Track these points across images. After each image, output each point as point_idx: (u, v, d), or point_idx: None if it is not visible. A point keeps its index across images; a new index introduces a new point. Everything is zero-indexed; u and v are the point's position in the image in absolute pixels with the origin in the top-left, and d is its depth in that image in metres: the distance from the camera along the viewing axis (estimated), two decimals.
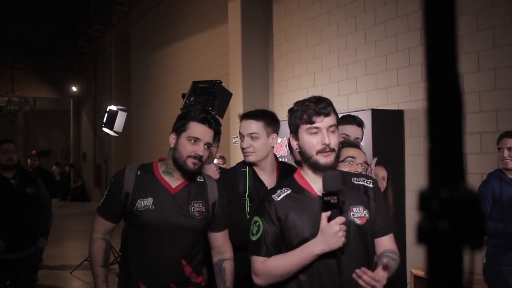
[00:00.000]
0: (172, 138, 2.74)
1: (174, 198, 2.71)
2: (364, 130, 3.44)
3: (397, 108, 6.06)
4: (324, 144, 2.19)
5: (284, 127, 7.51)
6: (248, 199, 3.05)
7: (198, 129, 2.67)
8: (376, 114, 5.71)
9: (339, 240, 2.10)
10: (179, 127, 2.71)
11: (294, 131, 2.30)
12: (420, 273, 5.13)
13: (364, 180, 2.39)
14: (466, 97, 5.17)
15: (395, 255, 2.27)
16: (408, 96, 5.92)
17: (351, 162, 2.76)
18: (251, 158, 3.10)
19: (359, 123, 3.34)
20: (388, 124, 5.89)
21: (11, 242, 4.88)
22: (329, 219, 2.12)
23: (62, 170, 25.67)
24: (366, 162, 2.83)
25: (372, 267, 2.23)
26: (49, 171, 9.52)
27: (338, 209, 2.12)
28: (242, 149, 3.14)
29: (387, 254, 2.26)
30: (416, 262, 5.46)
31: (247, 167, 3.14)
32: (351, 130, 3.25)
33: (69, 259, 9.50)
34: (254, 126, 3.14)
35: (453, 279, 0.62)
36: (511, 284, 4.12)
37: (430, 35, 0.64)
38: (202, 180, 2.86)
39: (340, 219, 2.10)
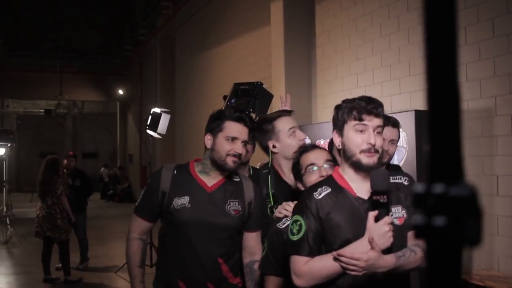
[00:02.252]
0: (208, 138, 2.75)
1: (210, 197, 2.73)
2: (400, 131, 3.33)
3: None
4: (370, 144, 2.15)
5: (327, 129, 7.44)
6: (272, 199, 3.01)
7: (235, 128, 2.69)
8: (420, 115, 5.60)
9: (388, 241, 2.06)
10: (215, 128, 2.73)
11: (340, 127, 2.25)
12: None
13: (400, 178, 2.33)
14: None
15: (417, 247, 2.18)
16: None
17: (311, 170, 2.62)
18: None
19: (394, 123, 3.24)
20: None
21: None
22: (376, 218, 2.07)
23: (111, 172, 26.12)
24: (329, 160, 2.67)
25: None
26: (84, 171, 9.64)
27: (386, 209, 2.07)
28: (302, 140, 3.11)
29: (409, 246, 2.20)
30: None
31: (270, 169, 3.09)
32: (385, 132, 3.18)
33: (114, 259, 9.65)
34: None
35: (451, 275, 0.61)
36: None
37: (429, 40, 0.62)
38: (239, 179, 2.86)
39: (388, 218, 2.06)
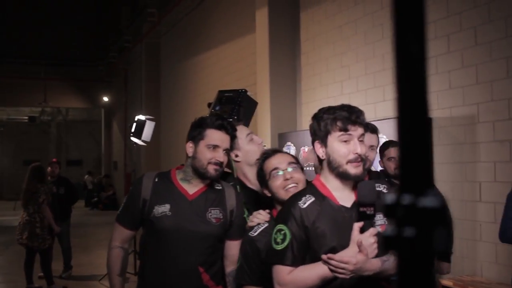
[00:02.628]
0: (190, 146, 2.74)
1: (191, 205, 2.71)
2: (380, 136, 3.36)
3: None
4: (356, 153, 2.15)
5: (308, 137, 7.49)
6: (246, 210, 2.96)
7: (216, 136, 2.68)
8: None
9: (373, 252, 2.06)
10: (196, 135, 2.72)
11: (323, 137, 2.24)
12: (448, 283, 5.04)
13: (379, 186, 2.33)
14: (496, 104, 5.09)
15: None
16: (436, 103, 5.83)
17: (276, 175, 2.59)
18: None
19: (372, 129, 3.26)
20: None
21: None
22: (362, 230, 2.07)
23: (96, 180, 25.95)
24: (292, 162, 2.64)
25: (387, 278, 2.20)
26: (68, 179, 9.55)
27: (371, 220, 2.08)
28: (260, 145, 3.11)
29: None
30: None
31: (235, 180, 3.04)
32: (365, 138, 3.18)
33: (98, 267, 9.58)
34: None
35: (421, 285, 0.60)
36: None
37: (398, 48, 0.63)
38: (220, 187, 2.85)
39: (373, 230, 2.06)
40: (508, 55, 4.97)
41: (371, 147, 3.18)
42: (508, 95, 4.96)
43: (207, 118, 2.78)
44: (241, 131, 3.09)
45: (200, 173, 2.71)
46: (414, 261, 0.61)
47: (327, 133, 2.21)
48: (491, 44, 5.14)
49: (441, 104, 5.75)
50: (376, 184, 2.33)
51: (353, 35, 7.42)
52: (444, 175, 5.53)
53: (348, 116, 2.16)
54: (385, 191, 2.33)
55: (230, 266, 2.84)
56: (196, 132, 2.73)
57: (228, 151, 2.74)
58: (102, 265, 9.31)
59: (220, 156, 2.68)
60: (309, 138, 3.17)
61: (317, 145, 2.27)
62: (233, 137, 2.79)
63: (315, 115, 2.29)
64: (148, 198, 2.71)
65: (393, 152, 4.18)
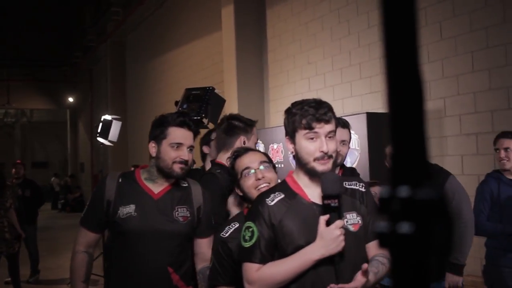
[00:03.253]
0: (152, 146, 2.68)
1: (157, 204, 2.65)
2: (352, 133, 3.35)
3: None
4: (322, 151, 2.12)
5: (280, 134, 7.44)
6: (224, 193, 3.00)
7: (179, 134, 2.63)
8: (372, 118, 5.67)
9: (340, 245, 2.03)
10: (158, 135, 2.66)
11: (291, 134, 2.21)
12: None
13: (356, 184, 2.31)
14: (462, 98, 5.15)
15: (384, 258, 2.19)
16: None
17: (248, 174, 2.55)
18: None
19: (343, 124, 3.25)
20: (383, 127, 5.84)
21: None
22: (328, 223, 2.05)
23: (62, 182, 25.57)
24: (264, 161, 2.61)
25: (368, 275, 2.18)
26: (34, 181, 9.37)
27: (337, 213, 2.05)
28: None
29: (376, 258, 2.21)
30: None
31: (223, 168, 3.08)
32: (336, 133, 3.18)
33: (66, 270, 9.39)
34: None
35: (417, 285, 0.57)
36: (511, 286, 4.07)
37: (387, 29, 0.59)
38: (186, 185, 2.80)
39: (339, 222, 2.04)
40: (473, 49, 5.03)
41: (343, 142, 3.17)
42: (474, 89, 5.03)
43: (168, 116, 2.70)
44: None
45: (165, 173, 2.65)
46: (410, 261, 0.57)
47: (294, 130, 2.19)
48: (456, 38, 5.20)
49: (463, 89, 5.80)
50: (354, 182, 2.31)
51: (319, 32, 7.43)
52: (468, 168, 5.59)
53: (314, 114, 2.13)
54: (362, 189, 2.30)
55: (201, 263, 2.80)
56: (158, 131, 2.66)
57: (192, 149, 2.69)
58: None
59: (185, 154, 2.62)
60: (277, 135, 3.16)
61: (287, 141, 2.26)
62: (196, 133, 2.74)
63: (287, 110, 2.26)
64: (112, 199, 2.63)
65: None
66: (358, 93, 6.66)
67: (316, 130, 2.12)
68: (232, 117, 3.33)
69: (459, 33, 5.17)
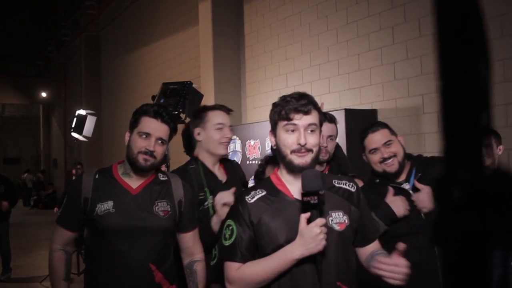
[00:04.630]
0: (127, 135, 2.61)
1: (135, 199, 2.57)
2: (338, 126, 3.31)
3: (370, 108, 6.02)
4: (299, 144, 2.08)
5: (257, 130, 7.40)
6: (208, 191, 2.94)
7: (149, 124, 2.55)
8: (350, 114, 5.65)
9: (320, 244, 1.97)
10: (132, 123, 2.59)
11: (273, 127, 2.18)
12: None
13: (345, 184, 2.25)
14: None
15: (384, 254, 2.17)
16: (381, 95, 5.87)
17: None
18: (228, 150, 3.09)
19: (330, 119, 3.21)
20: (361, 124, 5.75)
21: None
22: (309, 220, 1.99)
23: (35, 178, 25.21)
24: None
25: (351, 277, 2.14)
26: (7, 177, 9.17)
27: (318, 210, 2.00)
28: (227, 138, 3.06)
29: (378, 252, 2.19)
30: None
31: (198, 163, 3.05)
32: (323, 128, 3.12)
33: (39, 268, 9.26)
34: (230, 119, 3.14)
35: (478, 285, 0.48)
36: None
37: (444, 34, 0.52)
38: (166, 178, 2.72)
39: (320, 220, 1.97)
40: None
41: (330, 137, 3.12)
42: None
43: (144, 105, 2.64)
44: (217, 116, 3.07)
45: (131, 164, 2.58)
46: (471, 256, 0.48)
47: (275, 122, 2.15)
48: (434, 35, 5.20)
49: (386, 95, 5.79)
50: (343, 182, 2.26)
51: (297, 27, 7.40)
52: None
53: (293, 105, 2.09)
54: (352, 189, 2.25)
55: (187, 258, 2.75)
56: (133, 119, 2.60)
57: (164, 142, 2.59)
58: (43, 266, 9.03)
59: (151, 145, 2.52)
60: (254, 131, 3.11)
61: (270, 134, 2.22)
62: (172, 128, 2.66)
63: (273, 103, 2.22)
64: (90, 196, 2.54)
65: (375, 140, 3.01)
66: (336, 89, 6.63)
67: (294, 121, 2.08)
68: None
69: None
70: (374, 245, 2.26)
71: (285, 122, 2.10)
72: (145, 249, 2.54)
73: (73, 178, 6.87)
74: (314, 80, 7.02)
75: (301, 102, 2.10)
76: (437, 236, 0.49)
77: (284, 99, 2.13)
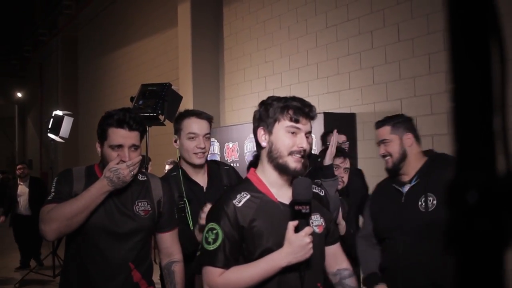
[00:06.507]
0: (98, 147, 2.59)
1: (117, 199, 2.56)
2: (315, 128, 3.33)
3: (349, 112, 6.05)
4: (301, 147, 2.05)
5: (236, 132, 7.36)
6: (186, 201, 2.92)
7: (118, 135, 2.50)
8: (328, 118, 5.67)
9: (308, 252, 1.96)
10: (100, 135, 2.55)
11: (270, 124, 2.09)
12: None
13: (315, 188, 2.26)
14: (418, 100, 5.19)
15: (352, 278, 2.28)
16: (360, 99, 5.90)
17: None
18: (204, 160, 3.00)
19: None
20: (340, 128, 5.84)
21: None
22: (296, 229, 1.97)
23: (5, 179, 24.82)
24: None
25: (323, 275, 2.16)
26: None
27: (306, 219, 1.99)
28: (200, 148, 2.97)
29: (345, 275, 2.26)
30: None
31: (179, 170, 3.01)
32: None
33: (12, 271, 9.13)
34: (208, 127, 3.03)
35: None
36: None
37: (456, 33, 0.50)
38: (145, 178, 2.71)
39: (309, 229, 1.96)
40: (430, 51, 5.07)
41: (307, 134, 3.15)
42: (430, 91, 5.07)
43: (107, 116, 2.56)
44: (190, 125, 2.98)
45: None
46: (485, 261, 0.47)
47: (275, 120, 2.08)
48: (413, 40, 5.24)
49: (365, 99, 5.82)
50: (312, 186, 2.25)
51: (277, 30, 7.41)
52: (369, 170, 5.59)
53: (301, 108, 2.06)
54: (321, 194, 2.28)
55: (166, 259, 2.73)
56: (99, 131, 2.56)
57: (136, 147, 2.55)
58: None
59: (126, 156, 2.50)
60: (232, 133, 3.08)
61: (261, 131, 2.12)
62: (141, 131, 2.59)
63: (263, 101, 2.16)
64: (80, 193, 2.50)
65: (377, 135, 3.05)
66: (315, 93, 6.65)
67: (299, 125, 2.05)
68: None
69: (416, 35, 5.21)
70: (338, 252, 2.33)
71: (290, 123, 2.05)
72: (125, 248, 2.53)
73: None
74: (293, 83, 7.03)
75: (308, 108, 2.07)
76: (452, 241, 0.48)
77: (286, 100, 2.10)
